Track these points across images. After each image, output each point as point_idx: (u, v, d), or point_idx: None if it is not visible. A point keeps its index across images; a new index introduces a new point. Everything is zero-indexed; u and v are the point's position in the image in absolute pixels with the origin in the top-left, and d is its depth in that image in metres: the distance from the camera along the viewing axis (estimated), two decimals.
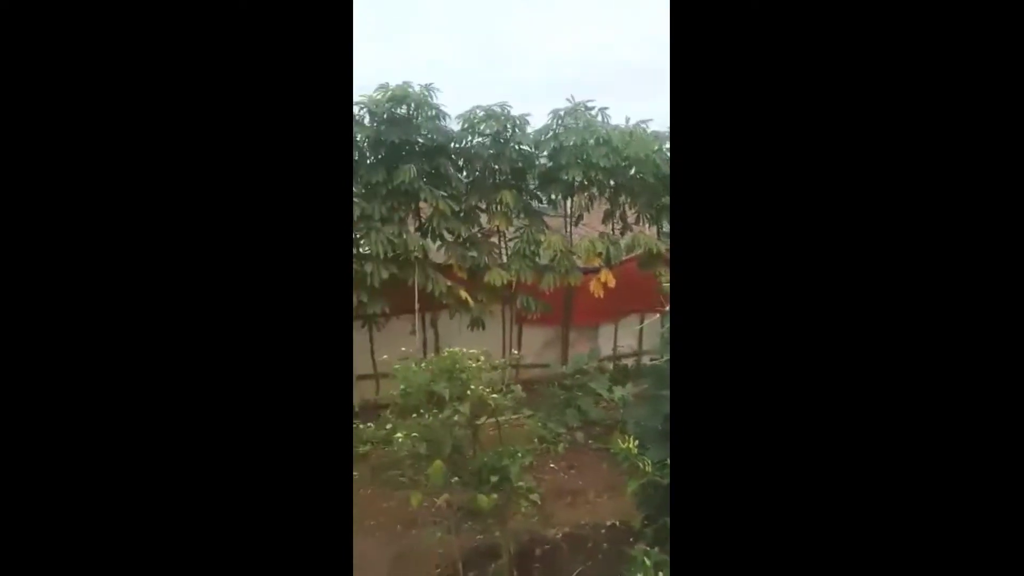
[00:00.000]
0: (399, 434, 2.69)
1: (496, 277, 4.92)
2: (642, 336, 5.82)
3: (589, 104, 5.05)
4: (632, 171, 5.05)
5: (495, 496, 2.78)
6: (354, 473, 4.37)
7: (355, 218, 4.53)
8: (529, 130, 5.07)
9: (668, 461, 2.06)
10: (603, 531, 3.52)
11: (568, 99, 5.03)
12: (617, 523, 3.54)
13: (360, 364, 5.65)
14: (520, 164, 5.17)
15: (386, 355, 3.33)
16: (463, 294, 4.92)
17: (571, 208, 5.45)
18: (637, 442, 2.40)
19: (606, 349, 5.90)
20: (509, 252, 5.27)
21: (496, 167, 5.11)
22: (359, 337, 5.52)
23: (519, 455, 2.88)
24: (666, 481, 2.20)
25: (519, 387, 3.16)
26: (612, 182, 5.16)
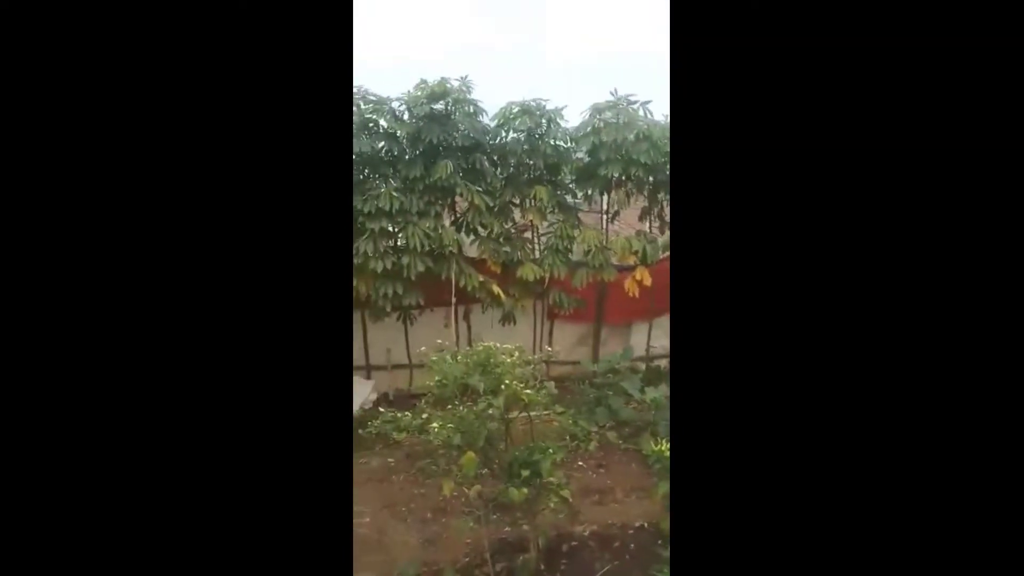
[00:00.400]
0: (435, 424, 2.75)
1: (529, 272, 4.93)
2: None
3: (632, 98, 4.96)
4: None
5: (526, 490, 2.81)
6: (389, 460, 4.52)
7: (393, 212, 4.64)
8: (567, 124, 5.03)
9: None
10: (631, 532, 3.50)
11: (612, 92, 4.96)
12: (646, 524, 3.51)
13: (396, 354, 5.81)
14: (555, 159, 5.14)
15: (423, 347, 3.40)
16: (495, 289, 4.96)
17: (607, 204, 5.38)
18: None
19: (639, 348, 5.82)
20: (542, 247, 5.27)
21: (531, 162, 5.10)
22: (395, 327, 5.67)
23: (550, 451, 2.90)
24: None
25: (552, 384, 3.17)
26: (651, 179, 5.06)
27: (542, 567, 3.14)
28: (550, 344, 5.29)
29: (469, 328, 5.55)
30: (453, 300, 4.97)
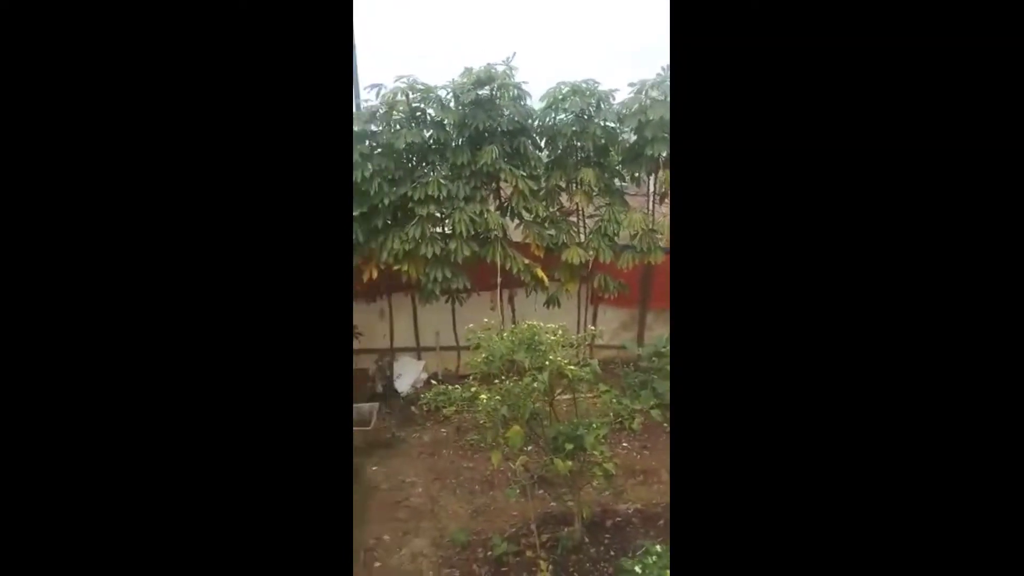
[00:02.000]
0: (484, 396, 2.87)
1: (574, 255, 4.94)
2: None
3: None
4: None
5: (570, 463, 2.88)
6: (443, 431, 4.72)
7: (440, 198, 4.79)
8: (615, 104, 4.95)
9: None
10: None
11: (660, 71, 4.82)
12: None
13: (444, 336, 6.03)
14: (603, 141, 5.09)
15: (471, 325, 3.53)
16: (540, 272, 5.02)
17: (654, 186, 5.27)
18: None
19: None
20: (588, 231, 5.26)
21: (579, 144, 5.07)
22: (444, 310, 5.88)
23: (594, 426, 2.95)
24: None
25: (596, 362, 3.21)
26: None
27: (586, 540, 3.22)
28: (595, 327, 5.29)
29: (514, 311, 5.66)
30: (498, 283, 5.08)
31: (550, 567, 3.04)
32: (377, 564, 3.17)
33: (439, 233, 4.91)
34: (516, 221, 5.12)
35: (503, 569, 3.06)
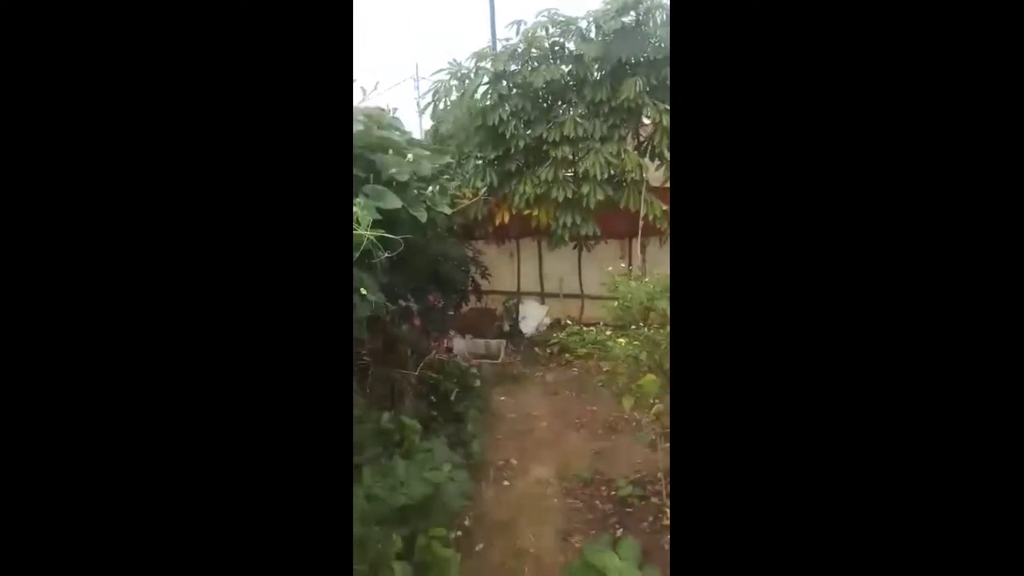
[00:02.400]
0: (622, 339, 2.81)
1: None
2: None
3: None
4: None
5: None
6: (568, 373, 4.84)
7: (575, 138, 4.60)
8: None
9: None
10: None
11: None
12: None
13: (568, 284, 6.04)
14: None
15: (610, 269, 3.42)
16: None
17: None
18: None
19: None
20: None
21: None
22: (570, 257, 5.84)
23: None
24: None
25: None
26: None
27: None
28: None
29: (644, 262, 5.38)
30: (639, 229, 4.81)
31: None
32: (505, 483, 3.44)
33: (571, 176, 4.77)
34: (656, 163, 4.73)
35: (627, 509, 3.09)
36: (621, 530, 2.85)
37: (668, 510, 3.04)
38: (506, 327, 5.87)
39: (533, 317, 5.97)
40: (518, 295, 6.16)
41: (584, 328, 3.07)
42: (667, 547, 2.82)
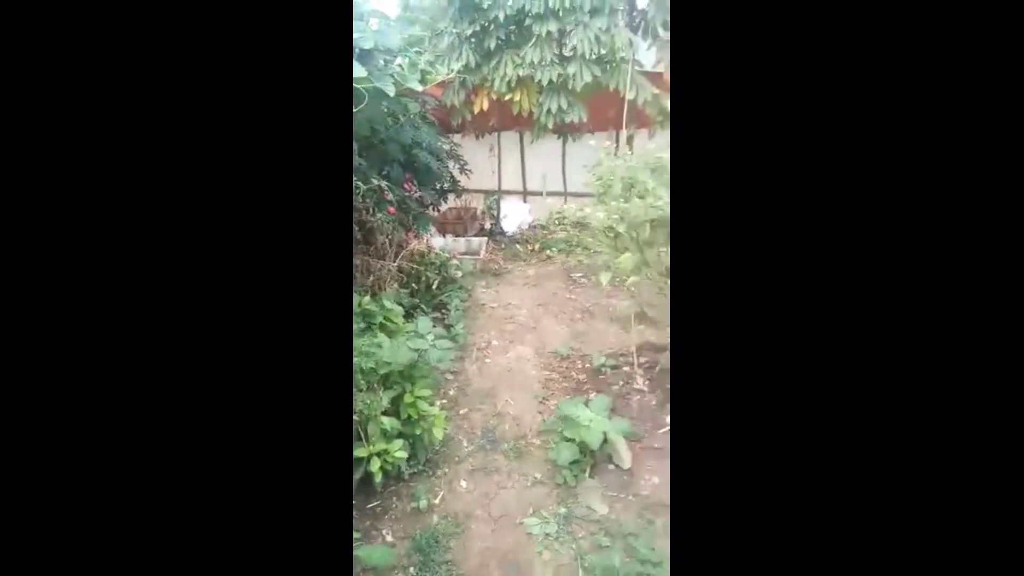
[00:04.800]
0: (601, 212, 2.78)
1: None
2: None
3: None
4: None
5: None
6: (555, 264, 4.87)
7: (561, 12, 4.19)
8: None
9: None
10: None
11: None
12: None
13: (552, 181, 5.89)
14: None
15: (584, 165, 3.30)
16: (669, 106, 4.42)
17: None
18: None
19: None
20: None
21: None
22: (553, 155, 5.62)
23: None
24: None
25: None
26: None
27: None
28: None
29: (631, 152, 5.22)
30: (623, 116, 4.60)
31: (646, 382, 3.21)
32: (487, 360, 3.60)
33: (558, 56, 4.42)
34: (648, 41, 4.40)
35: (600, 377, 3.30)
36: (594, 394, 3.05)
37: (639, 377, 3.25)
38: (487, 225, 5.80)
39: (515, 215, 5.88)
40: (499, 193, 6.01)
41: (563, 206, 3.02)
42: (635, 404, 3.06)
